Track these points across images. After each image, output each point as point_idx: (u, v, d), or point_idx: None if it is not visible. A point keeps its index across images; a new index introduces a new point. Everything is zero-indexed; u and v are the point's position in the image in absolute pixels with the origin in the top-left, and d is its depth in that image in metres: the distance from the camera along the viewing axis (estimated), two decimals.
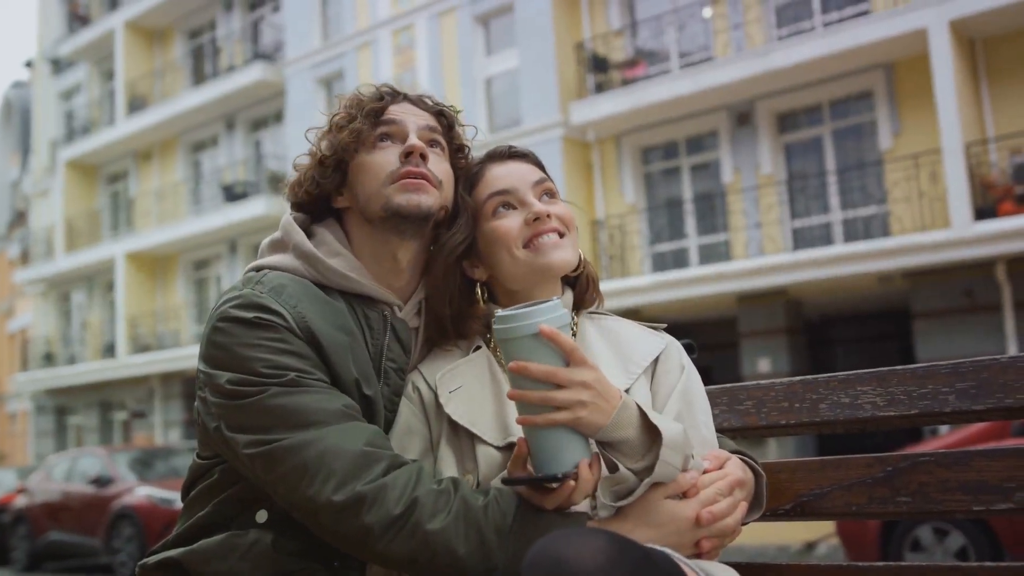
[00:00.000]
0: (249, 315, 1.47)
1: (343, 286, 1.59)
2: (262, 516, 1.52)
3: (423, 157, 1.60)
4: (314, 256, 1.59)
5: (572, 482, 1.34)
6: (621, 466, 1.39)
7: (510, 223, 1.60)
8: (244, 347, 1.45)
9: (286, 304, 1.50)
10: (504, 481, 1.38)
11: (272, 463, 1.40)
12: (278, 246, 1.65)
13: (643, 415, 1.39)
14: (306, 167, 1.65)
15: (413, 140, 1.60)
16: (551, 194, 1.66)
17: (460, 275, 1.63)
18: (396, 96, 1.66)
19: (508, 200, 1.62)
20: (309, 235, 1.64)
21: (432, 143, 1.64)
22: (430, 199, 1.59)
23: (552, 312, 1.33)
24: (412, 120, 1.63)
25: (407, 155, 1.59)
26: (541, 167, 1.69)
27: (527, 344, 1.31)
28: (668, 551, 1.35)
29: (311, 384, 1.44)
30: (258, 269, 1.61)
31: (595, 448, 1.39)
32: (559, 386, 1.32)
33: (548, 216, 1.60)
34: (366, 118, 1.60)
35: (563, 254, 1.60)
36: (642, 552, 1.22)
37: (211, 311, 1.54)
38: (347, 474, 1.36)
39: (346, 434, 1.40)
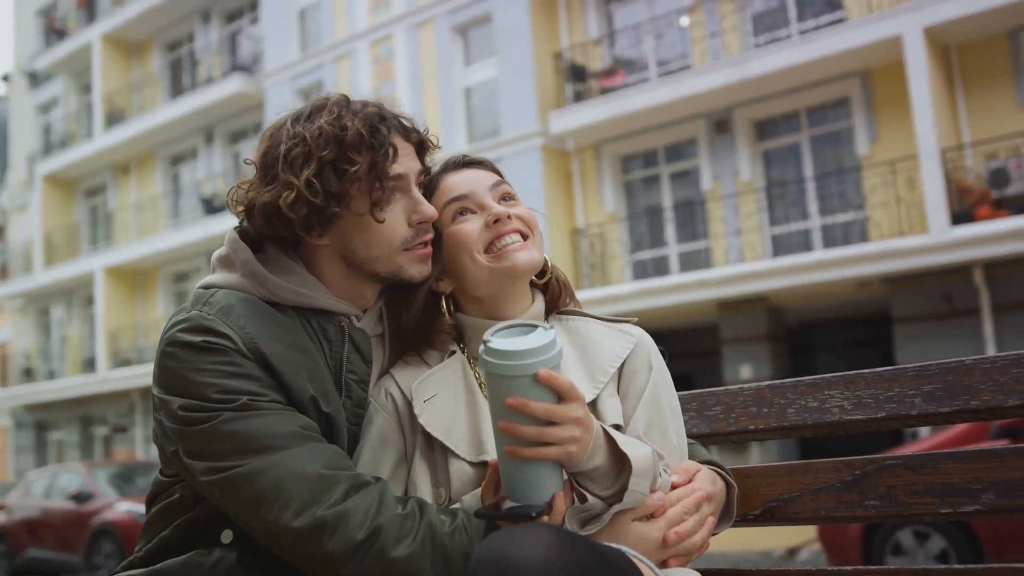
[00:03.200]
0: (197, 339, 1.43)
1: (295, 302, 1.54)
2: (227, 536, 1.49)
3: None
4: (262, 275, 1.53)
5: (545, 517, 1.32)
6: (590, 496, 1.37)
7: (470, 227, 1.57)
8: (194, 372, 1.41)
9: (234, 325, 1.45)
10: (477, 515, 1.36)
11: (230, 490, 1.38)
12: (225, 263, 1.58)
13: (611, 441, 1.37)
14: (287, 197, 1.46)
15: (427, 210, 1.54)
16: (510, 197, 1.64)
17: (425, 289, 1.60)
18: (388, 126, 1.53)
19: (466, 205, 1.59)
20: (257, 249, 1.57)
21: (420, 185, 1.60)
22: (431, 261, 1.58)
23: (550, 351, 1.28)
24: (412, 168, 1.56)
25: (419, 222, 1.55)
26: (497, 172, 1.67)
27: (523, 383, 1.27)
28: (624, 548, 1.33)
29: (264, 407, 1.41)
30: (208, 287, 1.56)
31: (565, 476, 1.37)
32: (552, 422, 1.29)
33: (508, 217, 1.57)
34: (379, 179, 1.48)
35: (528, 255, 1.56)
36: (592, 547, 1.20)
37: (162, 332, 1.49)
38: (306, 499, 1.34)
39: (303, 457, 1.37)
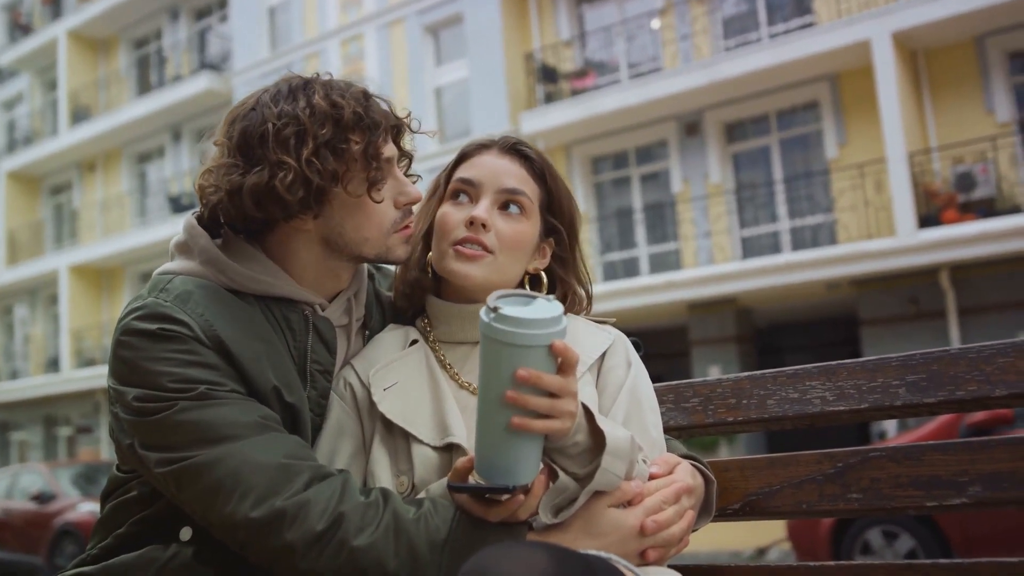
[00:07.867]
0: (153, 327, 1.37)
1: (256, 290, 1.48)
2: (186, 533, 1.43)
3: None
4: (222, 261, 1.47)
5: (522, 496, 1.26)
6: (562, 473, 1.32)
7: (455, 217, 1.52)
8: (149, 361, 1.35)
9: (192, 313, 1.39)
10: (450, 487, 1.29)
11: (185, 481, 1.32)
12: (183, 249, 1.52)
13: (590, 419, 1.32)
14: (283, 177, 1.39)
15: (413, 192, 1.53)
16: (519, 208, 1.54)
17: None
18: (376, 107, 1.50)
19: (467, 190, 1.54)
20: (214, 236, 1.51)
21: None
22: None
23: (561, 322, 1.20)
24: (393, 150, 1.53)
25: (405, 204, 1.53)
26: (537, 177, 1.58)
27: (536, 354, 1.18)
28: (609, 556, 1.29)
29: (223, 396, 1.35)
30: (165, 273, 1.50)
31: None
32: (555, 395, 1.22)
33: (483, 226, 1.49)
34: (374, 159, 1.45)
35: (468, 269, 1.49)
36: (582, 563, 1.15)
37: (117, 321, 1.43)
38: (265, 489, 1.28)
39: (262, 447, 1.32)
